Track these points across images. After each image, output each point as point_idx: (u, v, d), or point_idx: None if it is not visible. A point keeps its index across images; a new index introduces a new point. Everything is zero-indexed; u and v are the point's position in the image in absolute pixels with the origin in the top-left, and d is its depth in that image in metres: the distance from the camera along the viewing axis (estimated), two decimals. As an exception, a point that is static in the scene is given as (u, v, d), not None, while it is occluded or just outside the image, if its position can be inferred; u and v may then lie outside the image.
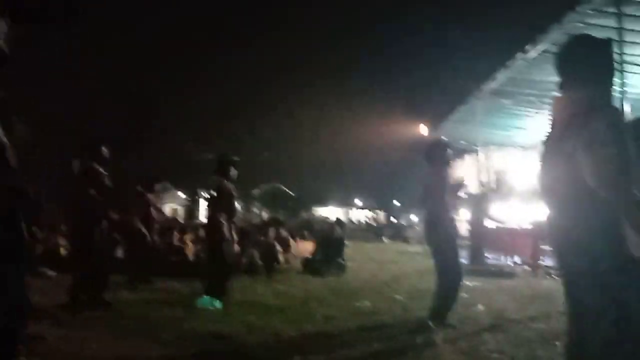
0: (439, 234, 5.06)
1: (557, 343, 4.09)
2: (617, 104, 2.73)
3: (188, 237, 9.85)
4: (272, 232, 10.69)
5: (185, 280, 7.45)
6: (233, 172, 6.29)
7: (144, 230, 7.68)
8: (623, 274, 2.29)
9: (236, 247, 8.56)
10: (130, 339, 4.33)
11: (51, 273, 7.87)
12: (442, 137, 6.26)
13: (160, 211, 8.64)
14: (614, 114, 2.52)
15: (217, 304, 5.73)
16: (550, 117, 2.68)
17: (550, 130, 2.66)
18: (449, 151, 5.37)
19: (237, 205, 6.49)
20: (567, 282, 2.59)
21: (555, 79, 2.65)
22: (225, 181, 6.19)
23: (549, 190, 2.60)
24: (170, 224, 11.30)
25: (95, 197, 5.48)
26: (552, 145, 2.58)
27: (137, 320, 5.03)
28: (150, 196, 8.09)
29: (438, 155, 5.25)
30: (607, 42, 2.63)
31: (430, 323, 4.79)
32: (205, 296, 5.83)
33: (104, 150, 5.79)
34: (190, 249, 9.30)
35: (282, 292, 6.90)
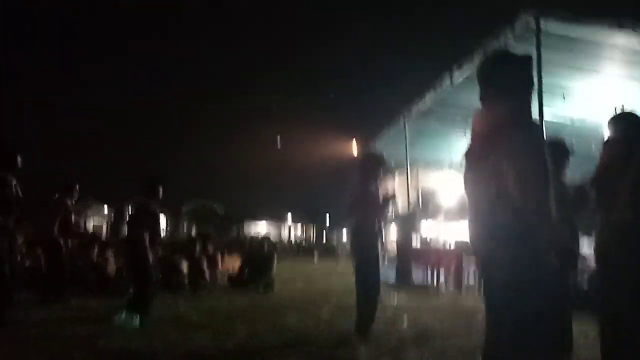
0: (362, 246, 5.07)
1: (476, 358, 4.14)
2: (536, 122, 2.81)
3: (109, 254, 9.40)
4: (199, 248, 10.41)
5: (104, 297, 7.10)
6: (160, 192, 6.12)
7: (61, 242, 7.22)
8: (540, 284, 2.34)
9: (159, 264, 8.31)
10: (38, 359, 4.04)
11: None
12: (378, 152, 6.31)
13: (77, 224, 8.12)
14: (535, 129, 2.59)
15: (136, 321, 5.47)
16: (471, 131, 2.72)
17: (470, 143, 2.70)
18: (382, 166, 5.40)
19: (161, 226, 6.27)
20: (487, 290, 2.63)
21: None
22: (151, 202, 6.02)
23: (471, 202, 2.63)
24: (91, 239, 10.76)
25: (7, 210, 5.12)
26: (473, 159, 2.62)
27: (48, 339, 4.72)
28: (69, 201, 7.57)
29: (370, 168, 5.27)
30: (527, 58, 2.71)
31: (354, 337, 4.77)
32: (123, 313, 5.55)
33: (14, 157, 5.41)
34: (110, 266, 8.88)
35: (206, 309, 6.69)
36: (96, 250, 9.03)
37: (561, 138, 4.58)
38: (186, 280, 8.57)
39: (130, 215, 6.31)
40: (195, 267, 9.07)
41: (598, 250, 3.41)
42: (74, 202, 7.62)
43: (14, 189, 5.28)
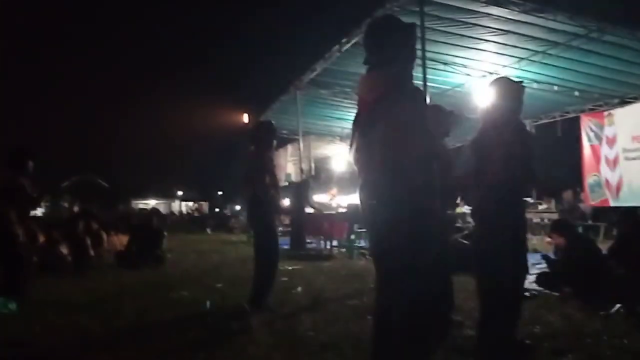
0: (258, 215, 5.05)
1: (369, 317, 4.30)
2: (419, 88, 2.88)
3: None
4: (82, 226, 9.81)
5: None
6: (29, 166, 5.65)
7: None
8: (418, 244, 2.43)
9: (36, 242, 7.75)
10: None
11: None
12: (269, 120, 6.25)
13: None
14: (418, 94, 2.66)
15: (12, 306, 5.05)
16: (357, 96, 2.74)
17: (358, 109, 2.72)
18: (274, 134, 5.35)
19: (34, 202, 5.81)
20: (374, 255, 2.70)
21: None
22: (18, 176, 5.54)
23: (359, 167, 2.66)
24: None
25: None
26: (360, 124, 2.64)
27: None
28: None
29: (262, 137, 5.21)
30: (411, 26, 2.76)
31: (248, 307, 4.75)
32: (-3, 298, 5.11)
33: None
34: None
35: (92, 289, 6.34)
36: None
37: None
38: (69, 260, 8.06)
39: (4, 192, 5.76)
40: (78, 245, 8.54)
41: (474, 212, 3.64)
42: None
43: None
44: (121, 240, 10.43)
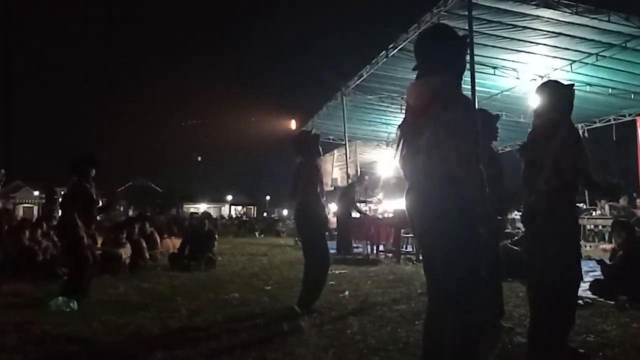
0: (308, 223, 5.14)
1: (417, 322, 4.31)
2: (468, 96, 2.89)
3: (41, 236, 9.04)
4: (137, 229, 10.18)
5: (38, 282, 6.84)
6: (92, 172, 5.93)
7: None
8: (472, 252, 2.45)
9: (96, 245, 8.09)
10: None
11: None
12: (312, 129, 6.38)
13: (6, 208, 7.66)
14: (467, 102, 2.67)
15: (74, 305, 5.30)
16: (406, 103, 2.78)
17: (405, 116, 2.76)
18: (318, 141, 5.46)
19: (96, 206, 6.09)
20: (425, 261, 2.72)
21: (415, 76, 2.76)
22: (84, 182, 5.83)
23: (407, 174, 2.70)
24: (22, 222, 10.30)
25: None
26: (408, 131, 2.68)
27: (-22, 326, 4.49)
28: None
29: (307, 146, 5.32)
30: (463, 36, 2.78)
31: (297, 309, 4.85)
32: (60, 297, 5.38)
33: None
34: (44, 248, 8.55)
35: (146, 289, 6.57)
36: (27, 233, 8.65)
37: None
38: (126, 262, 8.38)
39: (62, 197, 6.08)
40: (134, 247, 8.87)
41: (525, 217, 3.59)
42: (0, 184, 7.23)
43: None
44: (174, 243, 10.75)
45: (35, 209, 35.16)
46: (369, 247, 11.28)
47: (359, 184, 12.52)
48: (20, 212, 32.48)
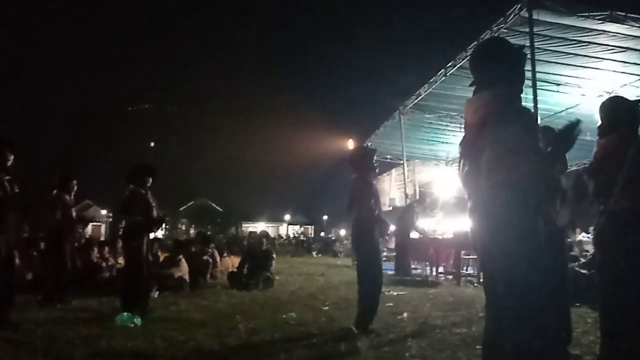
0: (362, 240, 5.11)
1: (478, 346, 4.18)
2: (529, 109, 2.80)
3: (108, 254, 9.41)
4: (198, 247, 10.42)
5: (104, 298, 7.10)
6: (149, 180, 6.13)
7: (62, 240, 7.13)
8: (538, 274, 2.36)
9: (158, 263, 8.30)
10: (38, 360, 4.03)
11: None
12: (366, 145, 6.36)
13: (76, 220, 7.90)
14: (528, 116, 2.60)
15: (137, 320, 5.47)
16: (464, 120, 2.73)
17: (464, 132, 2.71)
18: (373, 158, 5.43)
19: (155, 214, 6.24)
20: (487, 283, 2.64)
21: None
22: (140, 189, 6.04)
23: (469, 192, 2.64)
24: (90, 240, 10.76)
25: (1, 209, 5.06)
26: (468, 149, 2.62)
27: (48, 340, 4.67)
28: (67, 197, 7.32)
29: (362, 162, 5.30)
30: (520, 48, 2.72)
31: (355, 330, 4.80)
32: (124, 313, 5.56)
33: (8, 155, 5.29)
34: (110, 266, 8.88)
35: (206, 307, 6.69)
36: (95, 250, 9.02)
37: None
38: (187, 279, 8.57)
39: (120, 204, 6.25)
40: (194, 265, 9.07)
41: (596, 240, 3.42)
42: (72, 197, 7.48)
43: (7, 186, 5.19)
44: (233, 262, 10.93)
45: (103, 227, 36.64)
46: (428, 268, 11.08)
47: (419, 204, 12.35)
48: (88, 230, 33.93)
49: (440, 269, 10.71)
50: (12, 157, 5.33)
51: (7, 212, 5.14)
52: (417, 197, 15.13)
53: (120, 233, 6.42)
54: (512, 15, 8.45)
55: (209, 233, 15.27)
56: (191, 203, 50.27)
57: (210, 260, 9.84)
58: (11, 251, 5.24)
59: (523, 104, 2.65)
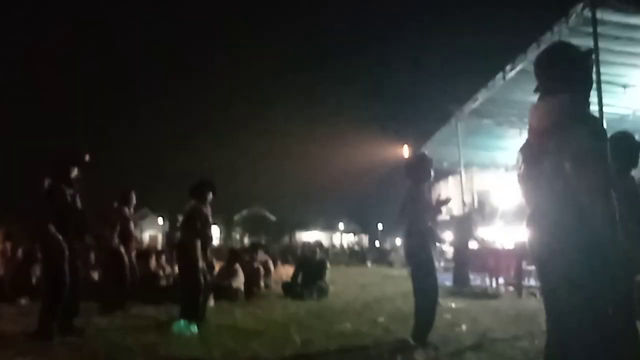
0: (416, 250, 4.98)
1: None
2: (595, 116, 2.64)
3: (165, 262, 9.62)
4: (252, 256, 10.50)
5: (162, 306, 7.24)
6: (210, 196, 6.20)
7: (122, 251, 7.37)
8: (604, 288, 2.21)
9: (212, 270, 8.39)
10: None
11: (23, 301, 7.58)
12: (423, 152, 6.22)
13: (135, 228, 8.20)
14: (595, 122, 2.45)
15: (194, 328, 5.53)
16: (528, 126, 2.61)
17: (527, 138, 2.59)
18: (430, 167, 5.29)
19: (212, 230, 6.34)
20: (547, 292, 2.51)
21: (535, 98, 2.59)
22: (201, 205, 6.09)
23: (529, 201, 2.53)
24: (148, 249, 11.05)
25: (64, 220, 5.24)
26: (530, 155, 2.51)
27: (110, 346, 4.80)
28: (127, 210, 7.66)
29: (418, 170, 5.19)
30: (587, 52, 2.59)
31: (412, 342, 4.68)
32: (181, 321, 5.63)
33: (72, 169, 5.50)
34: (167, 274, 9.06)
35: (261, 316, 6.70)
36: (153, 259, 9.23)
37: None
38: (242, 288, 8.63)
39: (182, 220, 6.39)
40: (249, 274, 9.13)
41: None
42: (131, 210, 7.76)
43: (69, 199, 5.37)
44: (287, 271, 10.95)
45: (160, 236, 37.69)
46: (488, 279, 10.74)
47: (477, 213, 12.03)
48: (146, 239, 34.99)
49: (501, 281, 10.36)
50: (75, 171, 5.50)
51: (71, 224, 5.32)
52: (476, 206, 14.74)
53: (177, 243, 6.52)
54: (574, 15, 8.11)
55: (262, 242, 15.41)
56: (245, 212, 51.01)
57: (262, 269, 9.87)
58: (75, 261, 5.40)
59: (589, 109, 2.51)
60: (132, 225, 7.73)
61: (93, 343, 4.93)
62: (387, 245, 39.08)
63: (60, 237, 5.16)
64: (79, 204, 5.44)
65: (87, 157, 5.57)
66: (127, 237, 7.56)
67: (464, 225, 11.36)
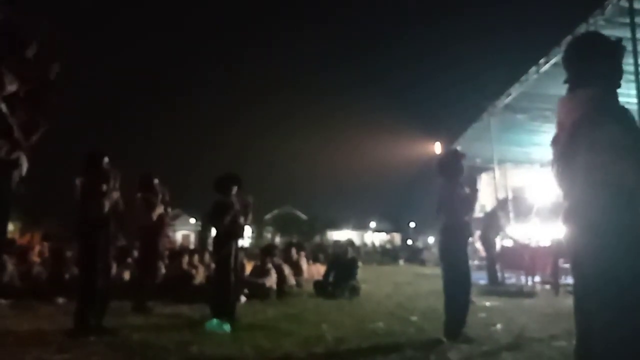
0: (449, 246, 4.94)
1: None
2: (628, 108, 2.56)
3: (198, 262, 9.71)
4: (283, 256, 10.53)
5: (195, 305, 7.31)
6: (234, 190, 6.22)
7: (156, 242, 7.36)
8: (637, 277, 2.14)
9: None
10: (134, 363, 4.17)
11: (60, 300, 7.75)
12: (456, 148, 6.16)
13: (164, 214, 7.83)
14: (626, 114, 2.38)
15: (226, 327, 5.56)
16: (557, 118, 2.55)
17: (557, 131, 2.53)
18: (462, 163, 5.23)
19: (242, 222, 6.31)
20: (579, 292, 2.46)
21: None
22: (227, 199, 6.17)
23: (563, 195, 2.47)
24: (181, 248, 11.18)
25: (97, 219, 5.33)
26: (561, 148, 2.45)
27: (143, 344, 4.85)
28: (153, 196, 7.31)
29: (451, 166, 5.13)
30: (617, 42, 2.51)
31: (445, 339, 4.62)
32: (214, 319, 5.67)
33: (106, 165, 5.54)
34: (200, 273, 9.15)
35: (293, 315, 6.70)
36: (186, 259, 9.32)
37: None
38: (274, 287, 8.65)
39: (210, 215, 6.38)
40: (281, 273, 9.15)
41: None
42: (158, 196, 7.42)
43: (108, 199, 5.44)
44: (319, 270, 10.94)
45: (192, 236, 38.19)
46: (523, 278, 10.53)
47: (501, 209, 11.78)
48: (179, 238, 35.52)
49: (537, 279, 10.14)
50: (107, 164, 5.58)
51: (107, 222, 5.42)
52: (500, 202, 14.43)
53: (211, 241, 6.53)
54: (610, 6, 7.89)
55: (294, 241, 15.42)
56: (276, 211, 51.26)
57: (293, 269, 9.87)
58: (109, 260, 5.48)
59: (622, 100, 2.43)
60: (159, 211, 7.37)
61: (128, 341, 5.01)
62: (420, 244, 38.79)
63: (95, 237, 5.26)
64: (115, 202, 5.51)
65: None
66: (156, 226, 7.32)
67: (489, 222, 11.17)
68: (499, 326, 5.72)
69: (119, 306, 6.30)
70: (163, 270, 8.89)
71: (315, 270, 11.33)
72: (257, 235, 42.65)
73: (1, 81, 2.43)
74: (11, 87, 2.51)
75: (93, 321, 5.26)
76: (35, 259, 9.99)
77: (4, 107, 2.01)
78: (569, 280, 9.12)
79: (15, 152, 2.12)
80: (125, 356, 4.41)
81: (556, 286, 9.16)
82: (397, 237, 53.57)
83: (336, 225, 52.19)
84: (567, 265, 9.14)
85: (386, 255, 28.99)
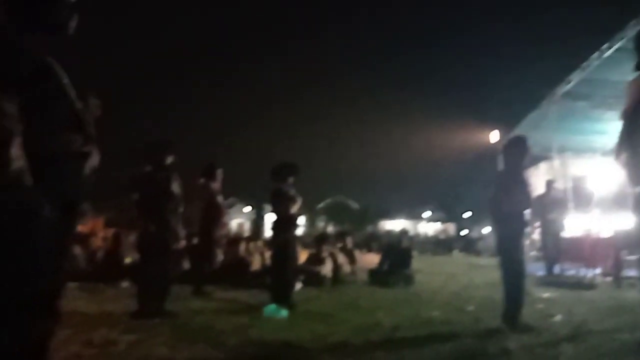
0: (507, 234, 4.89)
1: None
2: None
3: (254, 248, 9.96)
4: (338, 244, 10.63)
5: (251, 290, 7.51)
6: (291, 179, 6.34)
7: (213, 229, 7.60)
8: None
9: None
10: (197, 344, 4.36)
11: (125, 284, 8.13)
12: (521, 135, 6.05)
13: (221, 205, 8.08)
14: None
15: (284, 313, 5.72)
16: (626, 99, 2.51)
17: (625, 115, 2.50)
18: (527, 150, 5.15)
19: (298, 210, 6.43)
20: None
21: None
22: (284, 187, 6.29)
23: (628, 179, 2.43)
24: (237, 236, 11.48)
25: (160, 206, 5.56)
26: (628, 132, 2.42)
27: (204, 327, 5.06)
28: (214, 185, 7.64)
29: (515, 153, 5.07)
30: None
31: (504, 325, 4.63)
32: (272, 305, 5.83)
33: (167, 156, 5.77)
34: (257, 260, 9.38)
35: (348, 303, 6.79)
36: (243, 245, 9.58)
37: None
38: (329, 274, 8.78)
39: (272, 203, 6.54)
40: (335, 261, 9.27)
41: None
42: (219, 184, 7.74)
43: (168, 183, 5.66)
44: (372, 259, 11.00)
45: (247, 224, 38.86)
46: (583, 269, 10.23)
47: (545, 197, 11.35)
48: (234, 226, 36.23)
49: (597, 271, 9.84)
50: (170, 158, 5.81)
51: (163, 208, 5.64)
52: (547, 189, 13.95)
53: (271, 228, 6.69)
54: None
55: (347, 230, 15.52)
56: (328, 200, 51.42)
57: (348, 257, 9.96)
58: (168, 246, 5.71)
59: None
60: (219, 199, 7.73)
61: (189, 324, 5.23)
62: (475, 234, 38.13)
63: (156, 224, 5.51)
64: (175, 190, 5.72)
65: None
66: (214, 212, 7.60)
67: (558, 211, 10.88)
68: (558, 317, 5.61)
69: (179, 290, 6.56)
70: (221, 257, 9.16)
71: (368, 259, 11.39)
72: (310, 224, 42.99)
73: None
74: None
75: (155, 304, 5.52)
76: (100, 245, 10.51)
77: (79, 103, 2.18)
78: (632, 273, 8.83)
79: (88, 145, 2.29)
80: (187, 338, 4.59)
81: (618, 279, 8.86)
82: (451, 227, 52.74)
83: (389, 215, 51.91)
84: (630, 258, 8.85)
85: (440, 245, 28.67)
